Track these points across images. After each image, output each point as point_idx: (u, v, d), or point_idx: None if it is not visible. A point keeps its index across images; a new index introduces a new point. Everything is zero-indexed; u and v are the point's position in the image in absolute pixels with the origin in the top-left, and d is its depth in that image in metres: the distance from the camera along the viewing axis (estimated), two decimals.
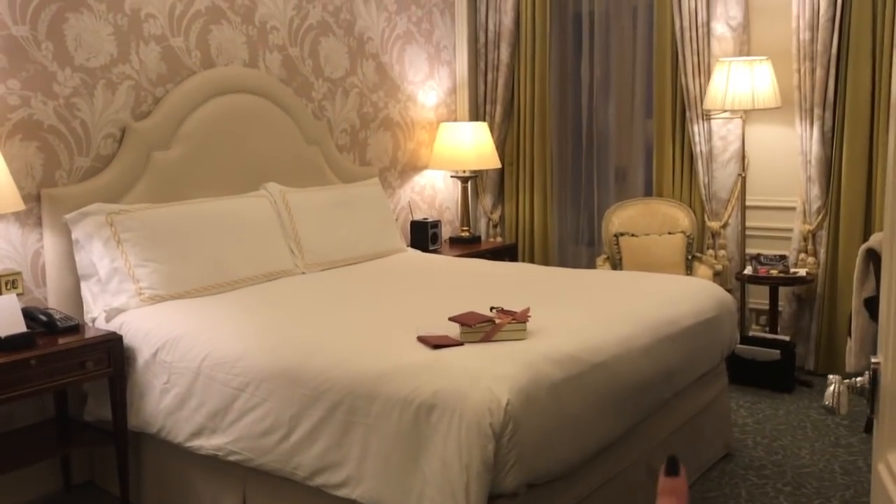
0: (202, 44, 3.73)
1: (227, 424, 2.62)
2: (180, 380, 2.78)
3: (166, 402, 2.82)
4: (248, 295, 3.25)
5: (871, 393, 0.96)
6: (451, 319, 2.57)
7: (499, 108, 5.19)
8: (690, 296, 3.21)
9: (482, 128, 4.87)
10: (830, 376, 0.98)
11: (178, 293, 3.17)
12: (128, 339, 2.96)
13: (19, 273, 3.14)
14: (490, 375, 2.20)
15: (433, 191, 5.10)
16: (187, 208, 3.40)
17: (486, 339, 2.47)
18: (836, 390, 0.94)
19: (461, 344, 2.45)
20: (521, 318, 2.53)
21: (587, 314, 2.83)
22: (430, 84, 4.99)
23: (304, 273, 3.67)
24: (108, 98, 3.39)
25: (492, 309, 2.64)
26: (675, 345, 2.89)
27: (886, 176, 0.94)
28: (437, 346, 2.42)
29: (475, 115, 5.29)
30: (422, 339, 2.49)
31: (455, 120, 5.16)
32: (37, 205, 3.20)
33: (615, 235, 4.58)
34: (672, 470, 0.57)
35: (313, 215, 3.86)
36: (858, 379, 0.98)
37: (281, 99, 3.98)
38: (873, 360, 0.97)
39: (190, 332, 2.85)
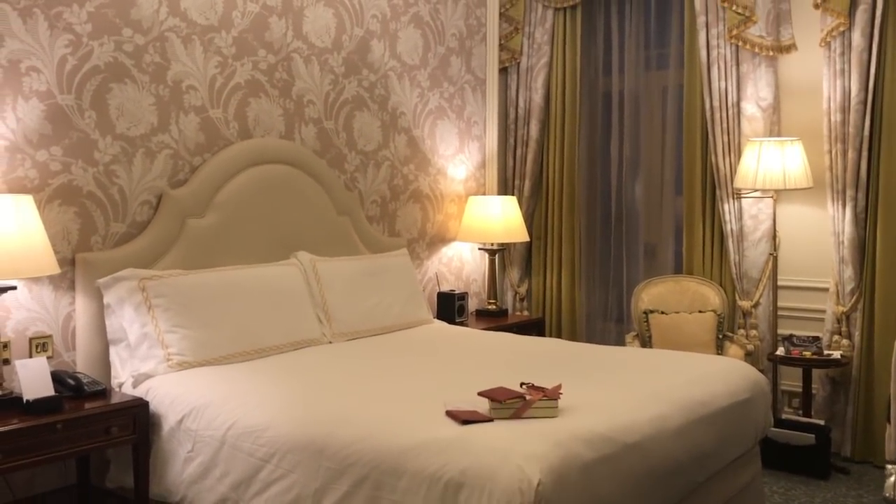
0: (240, 115, 3.82)
1: (250, 496, 2.58)
2: (205, 448, 2.75)
3: (190, 470, 2.79)
4: (275, 363, 3.24)
5: None
6: (480, 394, 2.53)
7: (527, 183, 5.23)
8: (723, 376, 3.14)
9: (511, 201, 4.90)
10: (890, 466, 0.94)
11: (206, 360, 3.17)
12: (154, 406, 2.94)
13: (50, 336, 3.15)
14: (521, 454, 2.15)
15: (461, 262, 5.10)
16: (218, 275, 3.42)
17: (517, 415, 2.43)
18: None
19: (491, 420, 2.41)
20: (552, 395, 2.49)
21: (619, 392, 2.78)
22: (459, 158, 5.06)
23: (331, 342, 3.65)
24: (146, 166, 3.46)
25: (522, 384, 2.60)
26: (709, 426, 2.82)
27: None
28: (466, 422, 2.37)
29: (504, 189, 5.33)
30: (450, 414, 2.45)
31: (484, 194, 5.19)
32: (71, 269, 3.23)
33: (644, 312, 4.53)
34: None
35: (342, 285, 3.87)
36: None
37: (314, 170, 4.04)
38: None
39: (216, 399, 2.84)
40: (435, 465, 2.20)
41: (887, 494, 0.82)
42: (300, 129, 4.10)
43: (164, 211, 3.47)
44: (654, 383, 2.93)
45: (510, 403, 2.45)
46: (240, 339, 3.30)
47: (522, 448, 2.18)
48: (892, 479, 0.80)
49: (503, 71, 5.30)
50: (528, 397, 2.48)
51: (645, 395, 2.77)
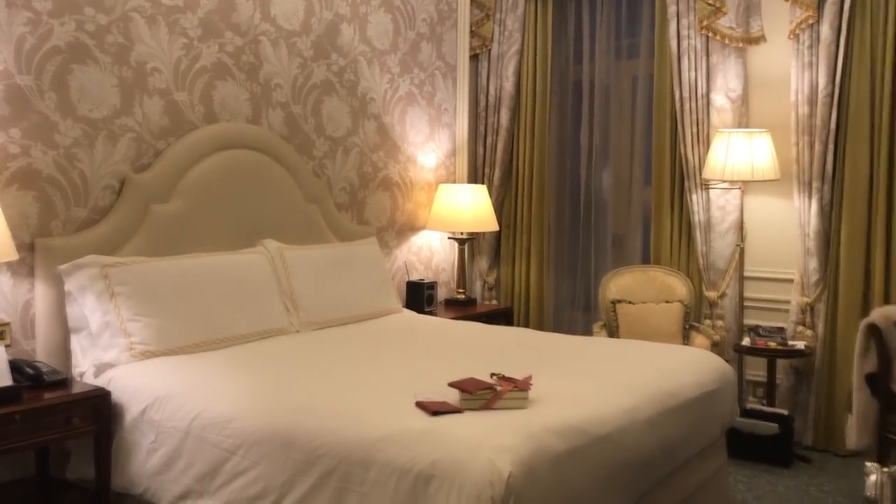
0: (206, 99, 3.74)
1: (215, 488, 2.53)
2: (169, 439, 2.70)
3: (153, 462, 2.73)
4: (241, 353, 3.18)
5: None
6: (450, 385, 2.51)
7: (497, 172, 5.21)
8: (691, 367, 3.16)
9: (481, 190, 4.87)
10: (870, 464, 0.94)
11: (169, 349, 3.10)
12: (116, 396, 2.88)
13: (8, 324, 3.06)
14: (491, 446, 2.14)
15: (430, 251, 5.07)
16: (183, 263, 3.35)
17: (487, 406, 2.41)
18: (880, 480, 0.90)
19: (461, 411, 2.39)
20: (523, 386, 2.47)
21: (589, 383, 2.77)
22: (430, 145, 5.01)
23: (298, 332, 3.60)
24: (108, 149, 3.37)
25: (492, 375, 2.58)
26: (678, 418, 2.82)
27: None
28: (436, 413, 2.35)
29: (474, 177, 5.30)
30: (420, 405, 2.42)
31: (454, 182, 5.16)
32: (30, 254, 3.14)
33: (612, 302, 4.54)
34: None
35: (310, 273, 3.82)
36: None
37: (282, 156, 3.98)
38: None
39: (181, 390, 2.78)
40: (405, 457, 2.18)
41: (869, 494, 0.82)
42: (267, 113, 4.03)
43: (127, 196, 3.39)
44: (624, 374, 2.93)
45: (480, 394, 2.43)
46: (205, 328, 3.23)
47: (493, 440, 2.17)
48: (873, 477, 0.79)
49: (474, 58, 5.26)
50: (498, 388, 2.46)
51: (615, 386, 2.77)
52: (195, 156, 3.61)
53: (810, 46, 4.18)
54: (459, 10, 5.12)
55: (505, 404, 2.43)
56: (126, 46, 3.41)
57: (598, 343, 3.64)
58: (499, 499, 2.02)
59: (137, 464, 2.78)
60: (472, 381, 2.51)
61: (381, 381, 2.80)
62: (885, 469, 0.80)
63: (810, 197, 4.23)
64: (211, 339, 3.23)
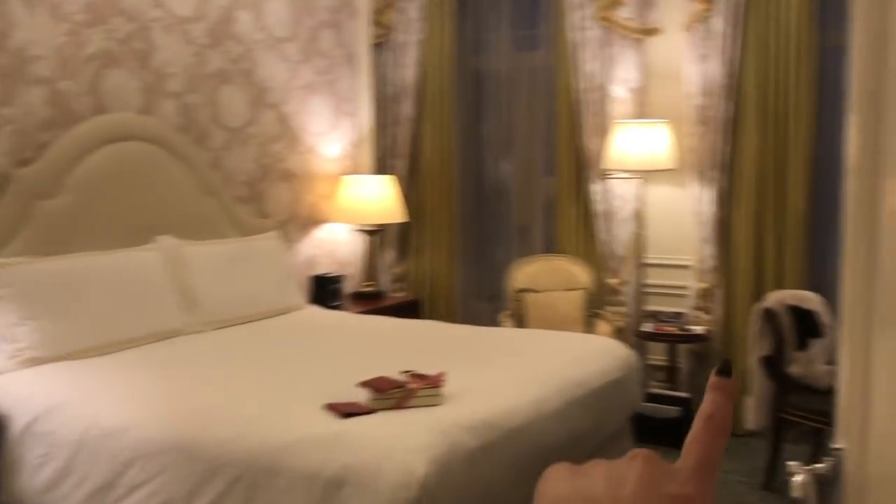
0: (94, 88, 3.53)
1: (111, 502, 2.40)
2: (59, 452, 2.54)
3: (42, 477, 2.56)
4: (137, 357, 3.03)
5: (831, 482, 0.92)
6: (360, 385, 2.45)
7: (402, 163, 5.15)
8: (597, 356, 3.20)
9: (386, 181, 4.80)
10: (792, 464, 0.94)
11: (59, 355, 2.93)
12: (0, 407, 2.68)
13: None
14: (404, 446, 2.10)
15: (334, 244, 4.97)
16: (71, 262, 3.16)
17: (400, 406, 2.37)
18: (805, 481, 0.90)
19: (373, 411, 2.34)
20: (435, 383, 2.44)
21: (499, 376, 2.77)
22: (332, 136, 4.91)
23: (198, 332, 3.46)
24: None
25: (404, 373, 2.54)
26: (585, 407, 2.86)
27: (844, 244, 0.92)
28: (347, 415, 2.29)
29: (378, 168, 5.23)
30: (330, 407, 2.35)
31: (358, 173, 5.07)
32: None
33: (519, 291, 4.57)
34: (725, 371, 0.57)
35: (209, 270, 3.67)
36: (818, 465, 0.94)
37: (176, 148, 3.80)
38: (835, 446, 0.93)
39: (72, 398, 2.62)
40: (314, 463, 2.11)
41: (796, 495, 0.84)
42: (160, 103, 3.85)
43: (9, 192, 3.17)
44: (532, 365, 2.94)
45: (392, 393, 2.38)
46: (97, 332, 3.06)
47: (406, 440, 2.13)
48: (800, 478, 0.80)
49: (376, 46, 5.17)
50: (410, 386, 2.42)
51: (524, 378, 2.77)
52: (83, 149, 3.41)
53: (705, 38, 4.29)
54: None
55: (418, 402, 2.39)
56: (2, 31, 3.18)
57: (506, 334, 3.65)
58: (414, 500, 1.99)
59: (25, 480, 2.61)
60: (382, 379, 2.46)
61: (287, 382, 2.71)
62: (809, 468, 0.81)
63: (706, 185, 4.35)
64: (104, 342, 3.06)
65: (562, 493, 0.55)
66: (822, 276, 4.30)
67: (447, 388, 2.48)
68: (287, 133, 4.59)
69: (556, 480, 0.56)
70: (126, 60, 3.66)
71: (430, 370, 2.57)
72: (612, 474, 0.54)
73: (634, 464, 0.55)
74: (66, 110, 3.43)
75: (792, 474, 0.88)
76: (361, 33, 5.05)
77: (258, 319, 3.75)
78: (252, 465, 2.18)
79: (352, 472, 2.06)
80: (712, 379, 0.62)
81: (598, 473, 0.55)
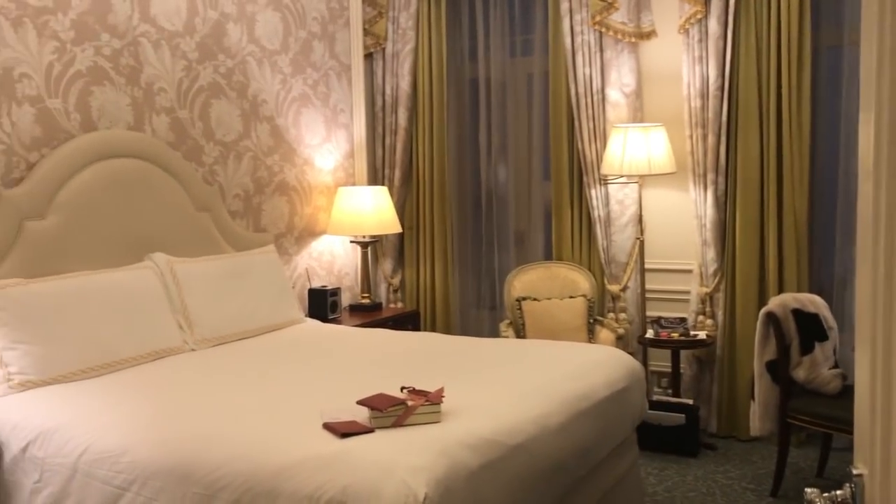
0: (82, 105, 3.48)
1: None
2: (54, 478, 2.48)
3: (38, 503, 2.51)
4: (132, 377, 2.98)
5: None
6: (359, 403, 2.39)
7: (397, 173, 5.11)
8: (601, 366, 3.14)
9: (382, 191, 4.76)
10: (809, 490, 0.89)
11: (52, 378, 2.87)
12: None
13: None
14: (405, 466, 2.04)
15: (332, 256, 4.93)
16: (63, 283, 3.11)
17: (399, 423, 2.31)
18: None
19: (372, 430, 2.28)
20: (434, 399, 2.38)
21: (501, 391, 2.71)
22: (327, 147, 4.86)
23: (194, 350, 3.41)
24: None
25: (402, 389, 2.48)
26: (590, 420, 2.80)
27: (857, 243, 0.88)
28: (345, 435, 2.23)
29: (374, 179, 5.19)
30: (328, 427, 2.30)
31: (353, 184, 5.03)
32: None
33: (517, 300, 4.52)
34: None
35: (204, 287, 3.62)
36: (838, 492, 0.89)
37: (168, 164, 3.76)
38: (855, 471, 0.88)
39: (66, 422, 2.56)
40: (313, 485, 2.05)
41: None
42: (151, 119, 3.80)
43: None
44: (534, 378, 2.88)
45: (391, 411, 2.33)
46: (90, 353, 3.01)
47: (406, 460, 2.07)
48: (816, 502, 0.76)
49: (368, 57, 5.13)
50: (409, 403, 2.36)
51: (527, 392, 2.71)
52: (73, 167, 3.36)
53: (700, 41, 4.26)
54: (351, 8, 4.98)
55: (417, 419, 2.34)
56: None
57: (506, 345, 3.59)
58: None
59: None
60: (381, 397, 2.41)
61: (285, 401, 2.65)
62: (826, 495, 0.76)
63: (705, 189, 4.31)
64: (97, 364, 3.01)
65: None
66: (822, 277, 4.26)
67: (447, 404, 2.43)
68: (282, 146, 4.55)
69: None
70: (115, 77, 3.62)
71: (429, 385, 2.52)
72: None
73: None
74: (55, 128, 3.38)
75: (810, 502, 0.84)
76: (354, 44, 5.01)
77: (256, 335, 3.70)
78: (250, 488, 2.12)
79: (351, 494, 2.00)
80: None
81: None
